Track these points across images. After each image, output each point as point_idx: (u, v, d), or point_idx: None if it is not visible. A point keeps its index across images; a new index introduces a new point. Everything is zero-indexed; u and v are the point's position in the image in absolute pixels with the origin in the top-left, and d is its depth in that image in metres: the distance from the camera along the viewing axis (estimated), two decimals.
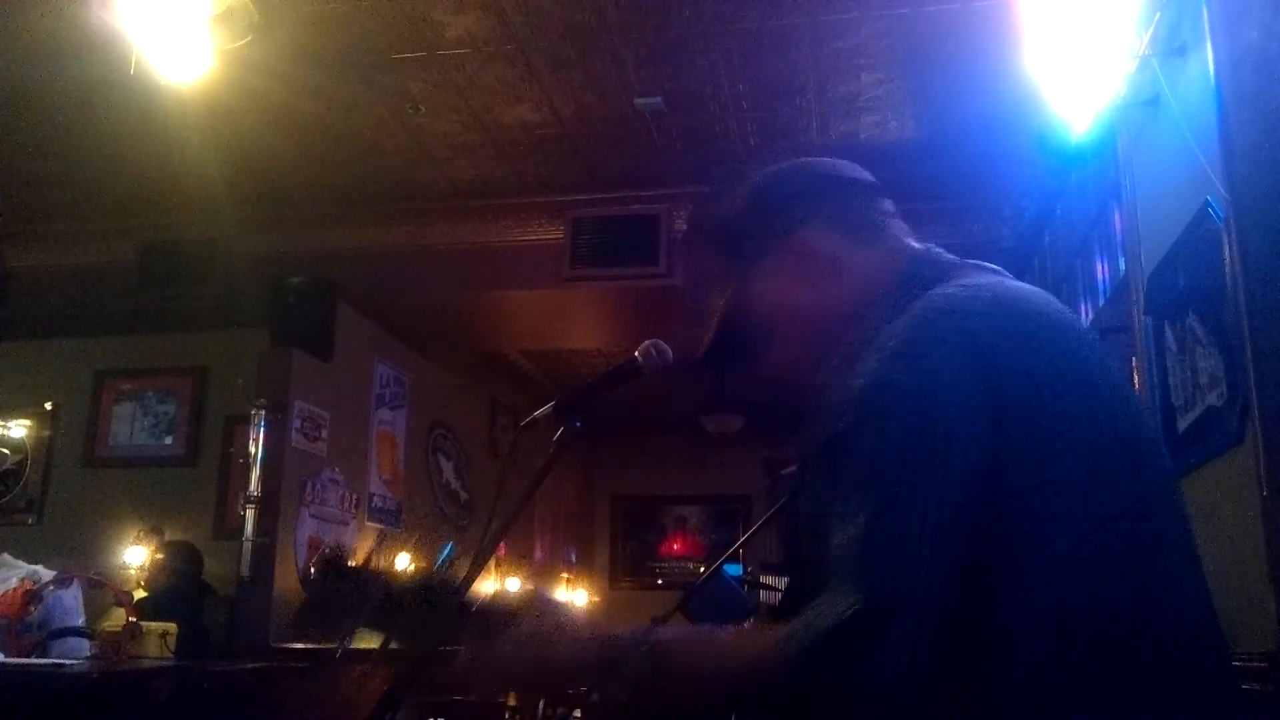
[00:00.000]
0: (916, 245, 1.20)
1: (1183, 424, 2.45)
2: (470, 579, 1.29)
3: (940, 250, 1.19)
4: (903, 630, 0.91)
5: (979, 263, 1.17)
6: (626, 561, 10.57)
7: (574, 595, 9.71)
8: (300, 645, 5.28)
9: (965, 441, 0.95)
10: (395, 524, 6.50)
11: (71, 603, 3.43)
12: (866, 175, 1.26)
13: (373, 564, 1.14)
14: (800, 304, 1.19)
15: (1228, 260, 2.14)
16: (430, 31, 4.07)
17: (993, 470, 0.95)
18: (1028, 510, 0.95)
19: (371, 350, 6.40)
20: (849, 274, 1.17)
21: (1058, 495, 0.95)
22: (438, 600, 1.12)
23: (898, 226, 1.22)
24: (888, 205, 1.23)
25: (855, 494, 0.97)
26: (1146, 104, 2.69)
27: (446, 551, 1.20)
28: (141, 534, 5.85)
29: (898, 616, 0.92)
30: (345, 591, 1.08)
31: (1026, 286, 1.12)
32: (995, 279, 1.12)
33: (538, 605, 1.14)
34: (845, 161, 1.27)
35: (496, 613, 1.15)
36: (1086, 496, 0.96)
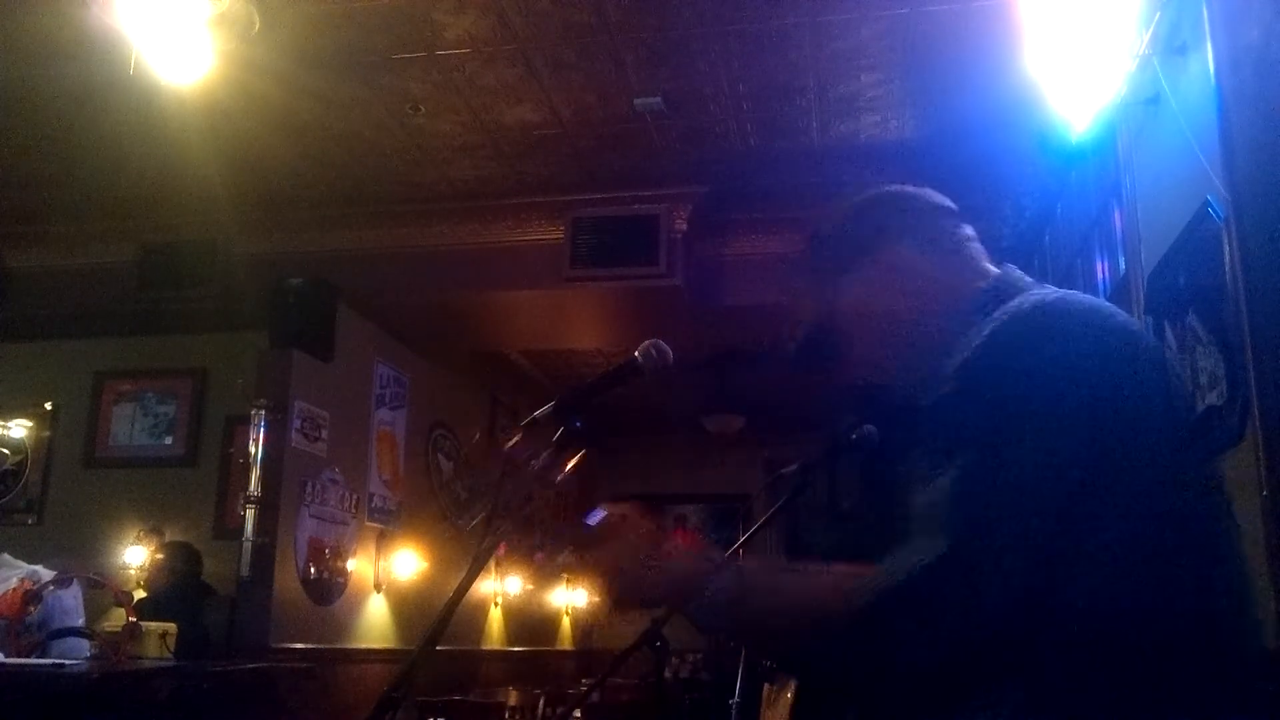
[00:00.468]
0: (995, 268, 1.31)
1: None
2: (470, 579, 1.29)
3: (1017, 269, 1.31)
4: (992, 577, 0.99)
5: (1046, 285, 1.27)
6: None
7: (574, 594, 9.72)
8: (299, 645, 5.28)
9: (1066, 417, 1.02)
10: (395, 524, 6.50)
11: (71, 603, 3.43)
12: (949, 202, 1.38)
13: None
14: (887, 313, 1.30)
15: (1228, 260, 2.14)
16: (430, 32, 4.07)
17: (1092, 450, 1.02)
18: (1111, 499, 1.02)
19: (371, 350, 6.40)
20: (934, 289, 1.29)
21: (1140, 489, 1.03)
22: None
23: (977, 249, 1.33)
24: (968, 230, 1.35)
25: (954, 453, 1.05)
26: (1147, 103, 2.69)
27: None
28: (141, 534, 5.85)
29: (988, 564, 0.99)
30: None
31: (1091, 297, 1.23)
32: (1065, 290, 1.23)
33: (634, 526, 1.20)
34: (930, 189, 1.39)
35: (595, 528, 1.20)
36: (1165, 491, 1.04)
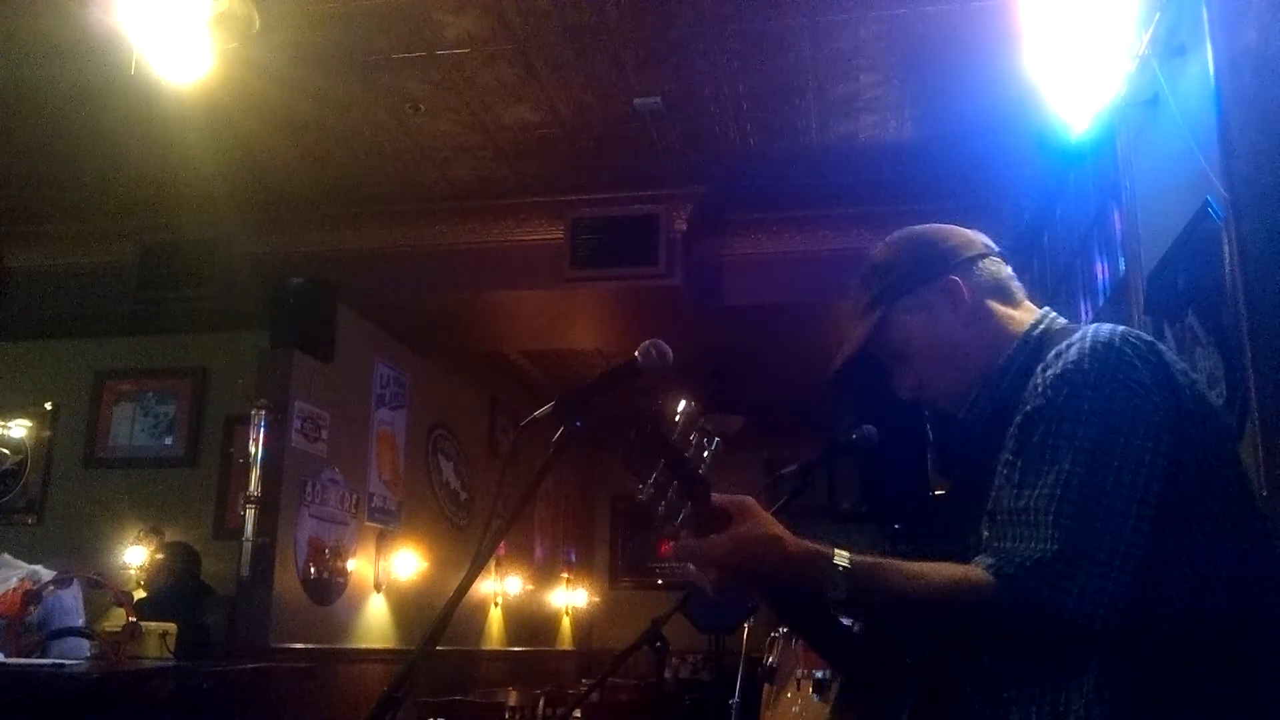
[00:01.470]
0: (1038, 306, 1.43)
1: None
2: (470, 579, 1.30)
3: (1055, 312, 1.42)
4: (1099, 566, 1.08)
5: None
6: (626, 561, 10.56)
7: (574, 595, 9.72)
8: (299, 645, 5.29)
9: (1161, 424, 1.14)
10: (395, 524, 6.50)
11: (71, 603, 3.43)
12: (993, 243, 1.49)
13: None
14: (948, 340, 1.39)
15: (1227, 260, 2.14)
16: (430, 31, 4.08)
17: (1179, 456, 1.14)
18: (1198, 497, 1.14)
19: (371, 351, 6.40)
20: (984, 317, 1.39)
21: (1215, 502, 1.15)
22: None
23: (1020, 288, 1.44)
24: (1010, 270, 1.46)
25: (1049, 461, 1.15)
26: (1146, 104, 2.69)
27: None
28: (141, 534, 5.85)
29: (1098, 555, 1.09)
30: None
31: None
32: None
33: (752, 510, 1.22)
34: (975, 230, 1.50)
35: (715, 512, 1.20)
36: (1232, 504, 1.16)
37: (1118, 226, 3.45)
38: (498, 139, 5.00)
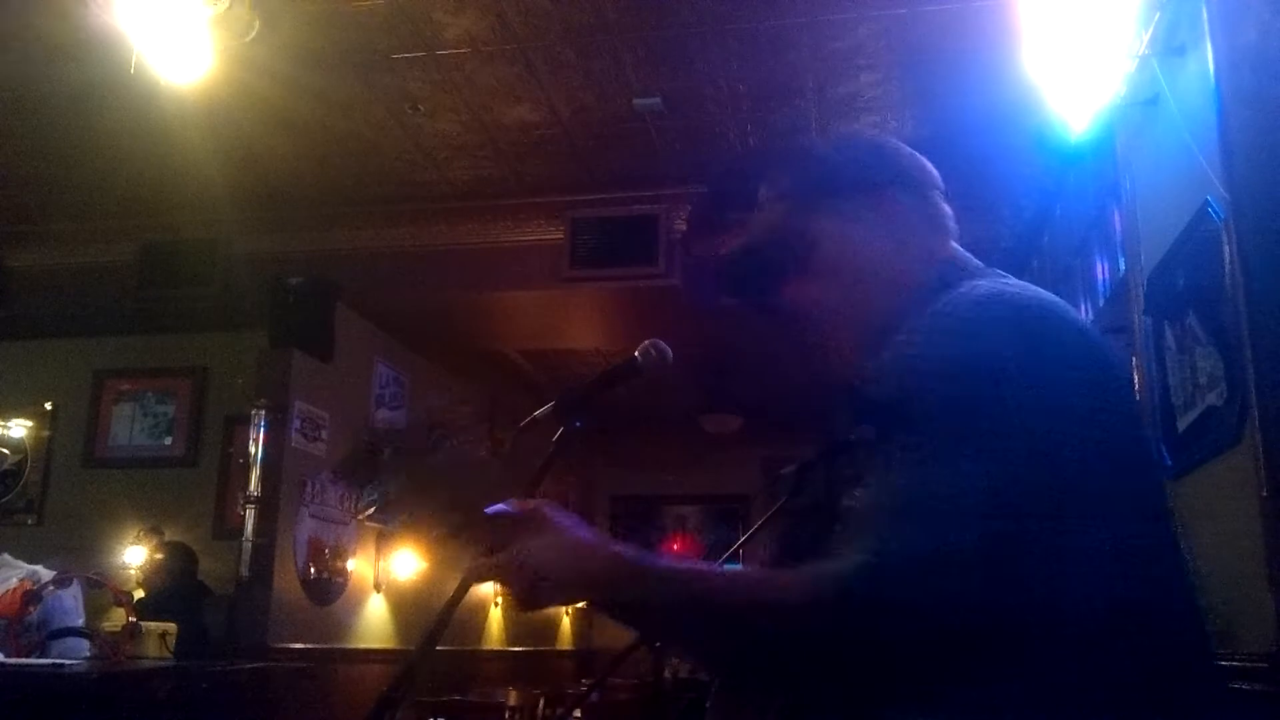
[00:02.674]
0: (959, 247, 1.22)
1: (1183, 424, 2.45)
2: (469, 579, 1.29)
3: (971, 256, 1.21)
4: (944, 578, 0.89)
5: (997, 271, 1.17)
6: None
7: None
8: (299, 645, 5.28)
9: (1024, 411, 0.93)
10: (395, 524, 6.49)
11: (71, 603, 3.43)
12: (937, 174, 1.28)
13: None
14: (865, 264, 1.16)
15: (1227, 260, 2.14)
16: (430, 31, 4.07)
17: (1049, 447, 0.94)
18: (1058, 502, 0.94)
19: (371, 350, 6.40)
20: (910, 250, 1.17)
21: (1087, 492, 0.95)
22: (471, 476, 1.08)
23: (952, 228, 1.23)
24: (948, 207, 1.25)
25: (907, 451, 0.95)
26: (1145, 104, 2.68)
27: None
28: (141, 534, 5.85)
29: (940, 564, 0.90)
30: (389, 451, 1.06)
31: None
32: (1023, 283, 1.13)
33: (547, 517, 1.08)
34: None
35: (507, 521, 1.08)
36: (1111, 495, 0.96)
37: (1118, 226, 3.45)
38: (498, 139, 4.99)
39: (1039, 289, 1.08)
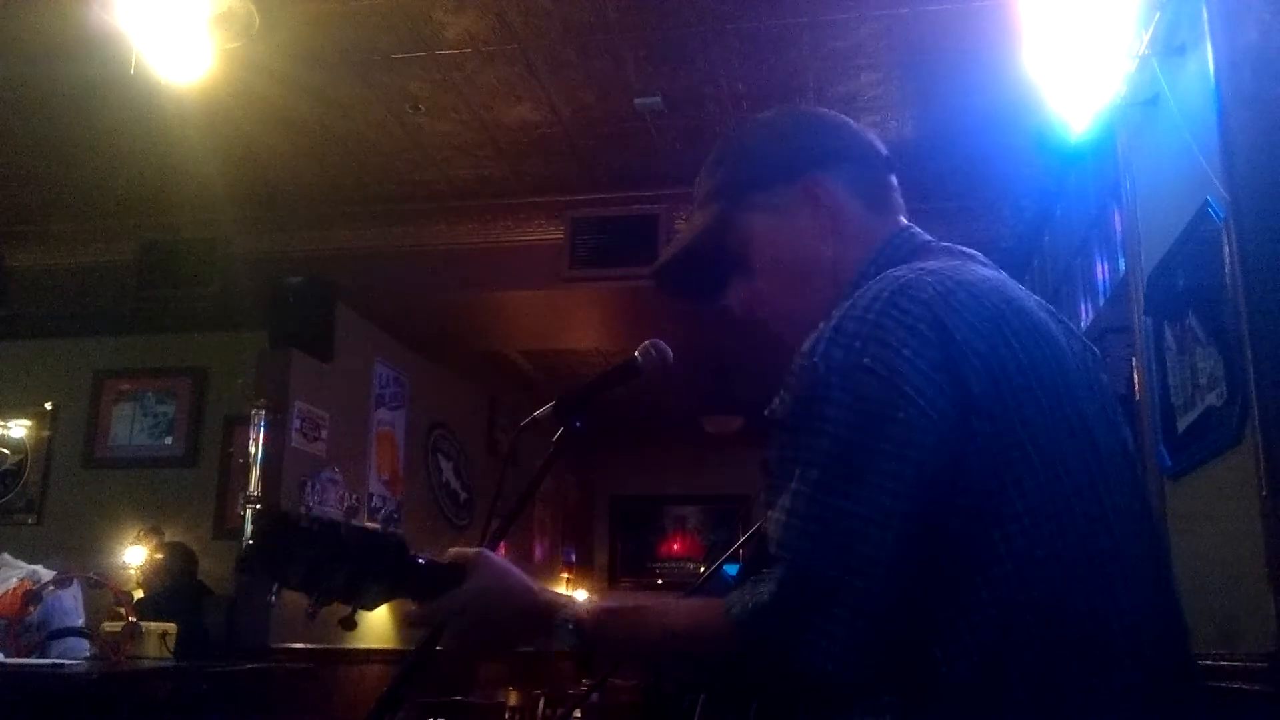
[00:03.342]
0: (904, 222, 1.17)
1: (1182, 424, 2.45)
2: None
3: (920, 231, 1.16)
4: (839, 608, 0.87)
5: (951, 246, 1.13)
6: (626, 561, 10.57)
7: (574, 595, 9.70)
8: (301, 645, 5.28)
9: (922, 423, 0.90)
10: (395, 524, 6.49)
11: (71, 603, 3.43)
12: (881, 144, 1.21)
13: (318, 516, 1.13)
14: (804, 256, 1.13)
15: (1227, 260, 2.14)
16: (430, 31, 4.07)
17: (954, 459, 0.91)
18: (989, 506, 0.91)
19: (371, 350, 6.40)
20: (846, 234, 1.12)
21: (1020, 494, 0.91)
22: (383, 555, 1.11)
23: (897, 203, 1.18)
24: (893, 180, 1.19)
25: (799, 468, 0.92)
26: (1146, 104, 2.68)
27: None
28: (141, 534, 5.84)
29: (837, 593, 0.87)
30: (290, 540, 1.08)
31: (993, 273, 1.08)
32: (960, 263, 1.08)
33: (483, 565, 1.13)
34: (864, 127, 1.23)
35: (442, 570, 1.14)
36: (1047, 497, 0.92)
37: (1118, 226, 3.45)
38: (498, 138, 4.99)
39: (965, 273, 1.02)
